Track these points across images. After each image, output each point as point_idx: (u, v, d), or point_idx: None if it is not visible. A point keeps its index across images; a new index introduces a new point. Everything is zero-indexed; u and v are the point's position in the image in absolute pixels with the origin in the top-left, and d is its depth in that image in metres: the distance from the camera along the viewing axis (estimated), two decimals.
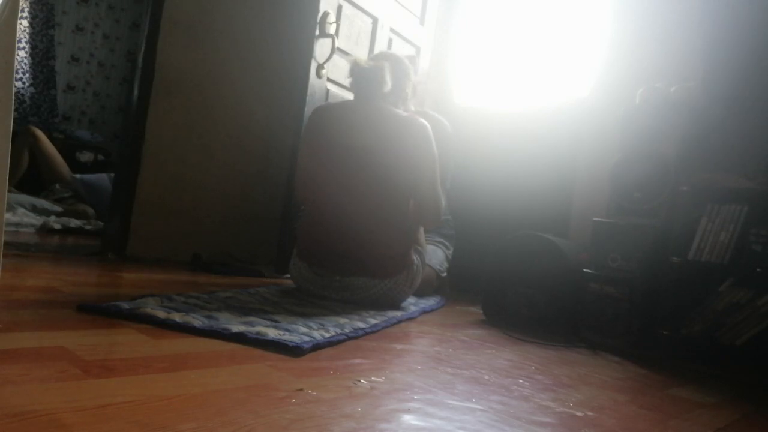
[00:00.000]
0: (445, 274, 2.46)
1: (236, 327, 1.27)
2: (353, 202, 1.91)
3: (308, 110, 2.55)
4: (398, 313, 1.82)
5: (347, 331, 1.41)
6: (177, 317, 1.29)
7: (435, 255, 2.45)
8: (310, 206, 2.03)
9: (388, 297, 1.90)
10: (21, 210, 3.42)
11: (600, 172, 2.36)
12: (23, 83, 4.89)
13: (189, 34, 2.60)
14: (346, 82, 2.13)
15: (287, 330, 1.30)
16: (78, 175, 4.29)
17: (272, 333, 1.25)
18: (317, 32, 2.54)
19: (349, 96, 2.83)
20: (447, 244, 2.58)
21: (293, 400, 0.89)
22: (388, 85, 1.97)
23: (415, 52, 3.15)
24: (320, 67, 2.56)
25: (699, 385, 1.48)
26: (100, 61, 5.54)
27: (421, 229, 2.10)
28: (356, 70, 2.00)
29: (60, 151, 4.46)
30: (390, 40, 3.03)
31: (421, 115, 2.65)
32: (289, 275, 2.12)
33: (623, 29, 2.64)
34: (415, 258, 1.98)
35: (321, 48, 2.57)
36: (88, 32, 5.46)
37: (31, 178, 4.26)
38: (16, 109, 2.69)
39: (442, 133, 2.62)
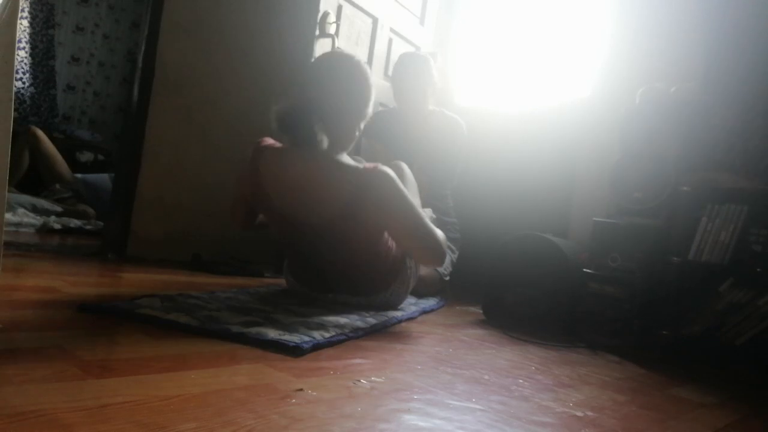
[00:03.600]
0: (448, 278, 2.46)
1: (236, 327, 1.27)
2: (323, 253, 1.73)
3: None
4: (398, 313, 1.81)
5: (347, 331, 1.41)
6: (177, 317, 1.29)
7: None
8: (282, 242, 1.86)
9: (385, 305, 1.89)
10: (21, 210, 3.42)
11: (600, 172, 2.36)
12: (23, 83, 4.89)
13: (189, 34, 2.60)
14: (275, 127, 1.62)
15: (287, 330, 1.30)
16: (79, 175, 4.29)
17: (272, 333, 1.25)
18: (317, 32, 2.55)
19: None
20: (453, 248, 2.58)
21: (293, 400, 0.89)
22: (324, 144, 1.59)
23: (416, 49, 3.15)
24: None
25: (699, 385, 1.48)
26: (100, 61, 5.54)
27: None
28: (282, 121, 1.60)
29: (60, 151, 4.46)
30: (390, 40, 3.03)
31: (437, 114, 2.66)
32: None
33: (624, 29, 2.64)
34: (407, 260, 1.90)
35: (321, 48, 2.57)
36: (88, 32, 5.46)
37: (31, 178, 4.26)
38: (16, 109, 2.70)
39: (456, 133, 2.63)
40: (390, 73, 2.81)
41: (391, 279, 1.85)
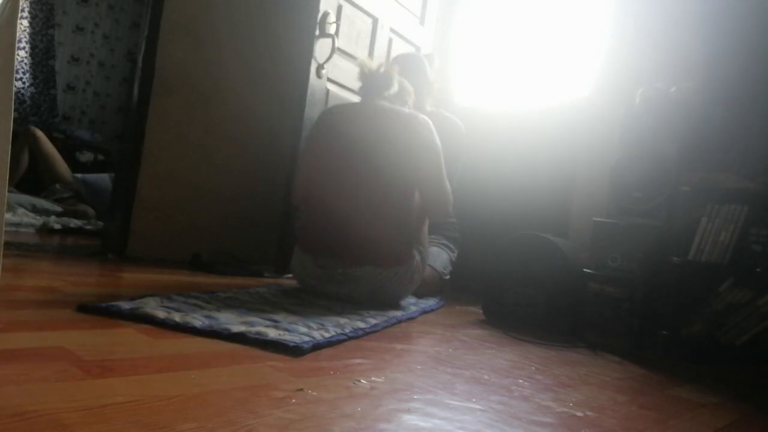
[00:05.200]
0: (448, 278, 2.45)
1: (236, 327, 1.27)
2: (355, 196, 1.94)
3: (308, 110, 2.55)
4: (398, 313, 1.82)
5: (347, 331, 1.41)
6: (177, 317, 1.29)
7: (439, 257, 2.44)
8: (313, 201, 2.05)
9: (388, 289, 1.90)
10: (21, 210, 3.42)
11: (600, 172, 2.36)
12: (23, 83, 4.89)
13: (189, 34, 2.60)
14: (355, 86, 2.16)
15: (287, 330, 1.30)
16: (79, 175, 4.29)
17: (272, 333, 1.25)
18: (317, 32, 2.54)
19: (349, 95, 2.83)
20: (452, 247, 2.57)
21: (293, 400, 0.89)
22: (395, 88, 2.03)
23: (416, 51, 3.15)
24: (320, 67, 2.56)
25: (699, 385, 1.48)
26: (100, 61, 5.54)
27: (425, 230, 2.10)
28: (365, 74, 2.04)
29: (60, 151, 4.47)
30: (390, 40, 3.03)
31: (436, 115, 2.65)
32: (289, 275, 2.13)
33: (623, 29, 2.64)
34: (415, 254, 1.98)
35: (321, 48, 2.57)
36: (88, 32, 5.46)
37: (31, 178, 4.26)
38: (16, 109, 2.70)
39: (455, 133, 2.61)
40: None
41: (402, 258, 1.93)
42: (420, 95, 2.57)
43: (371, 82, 2.03)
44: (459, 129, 2.63)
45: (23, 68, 4.90)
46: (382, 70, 2.03)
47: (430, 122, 2.01)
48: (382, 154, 1.94)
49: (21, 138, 4.18)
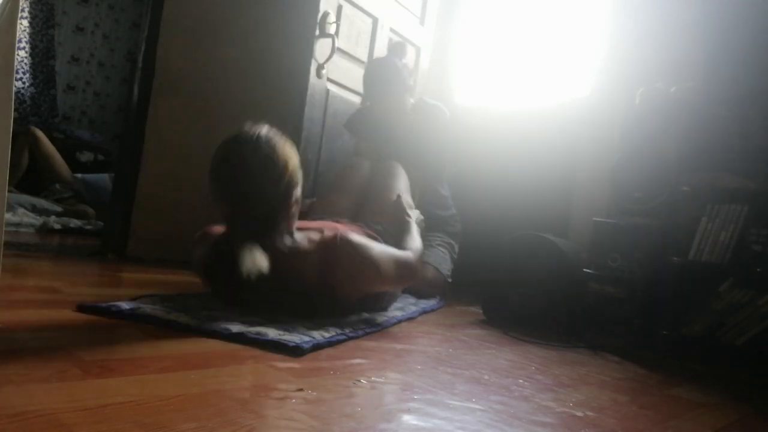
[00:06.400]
0: (450, 280, 2.45)
1: (236, 327, 1.27)
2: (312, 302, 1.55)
3: (308, 110, 2.55)
4: (398, 313, 1.81)
5: (347, 331, 1.41)
6: (177, 317, 1.29)
7: (444, 260, 2.42)
8: None
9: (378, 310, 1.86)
10: (21, 210, 3.42)
11: (600, 172, 2.35)
12: (23, 83, 4.89)
13: (189, 34, 2.60)
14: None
15: (287, 330, 1.30)
16: (79, 175, 4.30)
17: (272, 333, 1.25)
18: (317, 32, 2.54)
19: (350, 95, 2.83)
20: (453, 243, 2.55)
21: (293, 400, 0.89)
22: (275, 242, 1.44)
23: (415, 51, 3.16)
24: (320, 67, 2.56)
25: (699, 385, 1.48)
26: (100, 61, 5.54)
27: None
28: (216, 187, 1.50)
29: (60, 151, 4.47)
30: (390, 40, 3.03)
31: (418, 105, 2.61)
32: None
33: (623, 29, 2.64)
34: None
35: (321, 48, 2.57)
36: (88, 32, 5.46)
37: (31, 178, 4.26)
38: (16, 109, 2.70)
39: (441, 122, 2.56)
40: None
41: (386, 299, 1.80)
42: (402, 100, 2.51)
43: (227, 204, 1.51)
44: (444, 116, 2.55)
45: (23, 68, 4.90)
46: (226, 189, 1.49)
47: (351, 241, 1.49)
48: (320, 291, 1.50)
49: (21, 138, 4.18)
